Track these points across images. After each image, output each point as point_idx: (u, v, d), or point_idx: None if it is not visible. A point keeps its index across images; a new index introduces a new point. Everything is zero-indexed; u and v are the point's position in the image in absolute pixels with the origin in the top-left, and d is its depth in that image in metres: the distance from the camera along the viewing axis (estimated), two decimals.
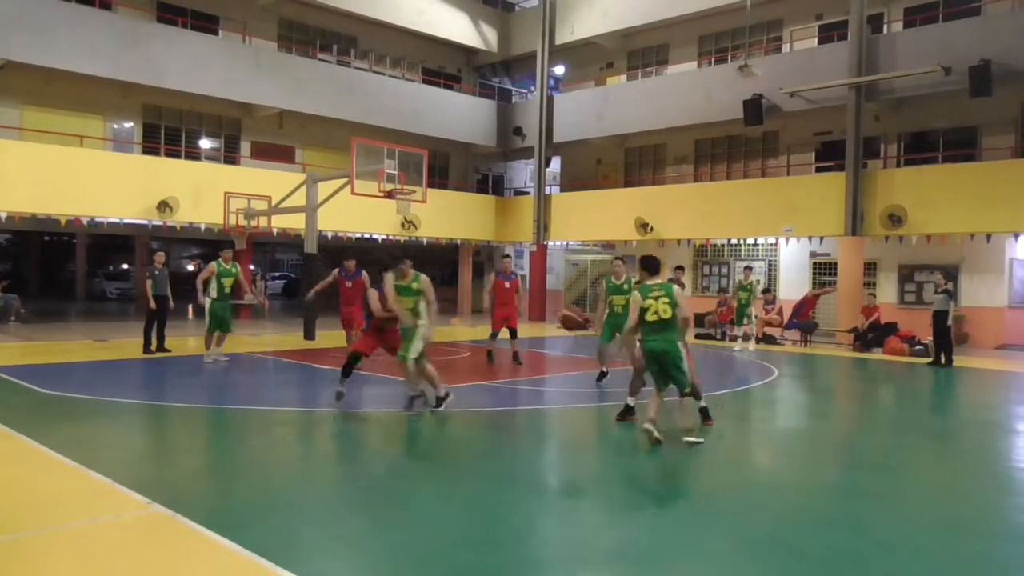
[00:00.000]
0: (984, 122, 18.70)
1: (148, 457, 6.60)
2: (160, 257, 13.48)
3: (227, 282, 12.32)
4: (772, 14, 21.79)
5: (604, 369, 10.74)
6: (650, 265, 7.31)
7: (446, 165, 27.68)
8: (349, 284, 12.22)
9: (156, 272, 13.13)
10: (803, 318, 18.61)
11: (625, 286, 9.90)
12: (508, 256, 13.98)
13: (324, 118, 22.66)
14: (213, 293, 12.23)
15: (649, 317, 6.99)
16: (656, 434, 6.71)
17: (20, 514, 4.75)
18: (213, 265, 12.38)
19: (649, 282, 7.20)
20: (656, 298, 7.01)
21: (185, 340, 16.55)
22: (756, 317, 17.21)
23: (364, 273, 12.30)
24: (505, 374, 11.79)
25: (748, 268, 17.81)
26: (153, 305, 12.97)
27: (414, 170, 16.92)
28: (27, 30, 17.16)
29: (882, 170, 19.53)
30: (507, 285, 12.72)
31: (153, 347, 13.13)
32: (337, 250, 18.50)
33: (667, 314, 6.94)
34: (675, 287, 7.25)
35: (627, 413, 8.00)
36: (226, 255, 12.49)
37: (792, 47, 21.56)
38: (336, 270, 12.46)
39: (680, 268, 14.09)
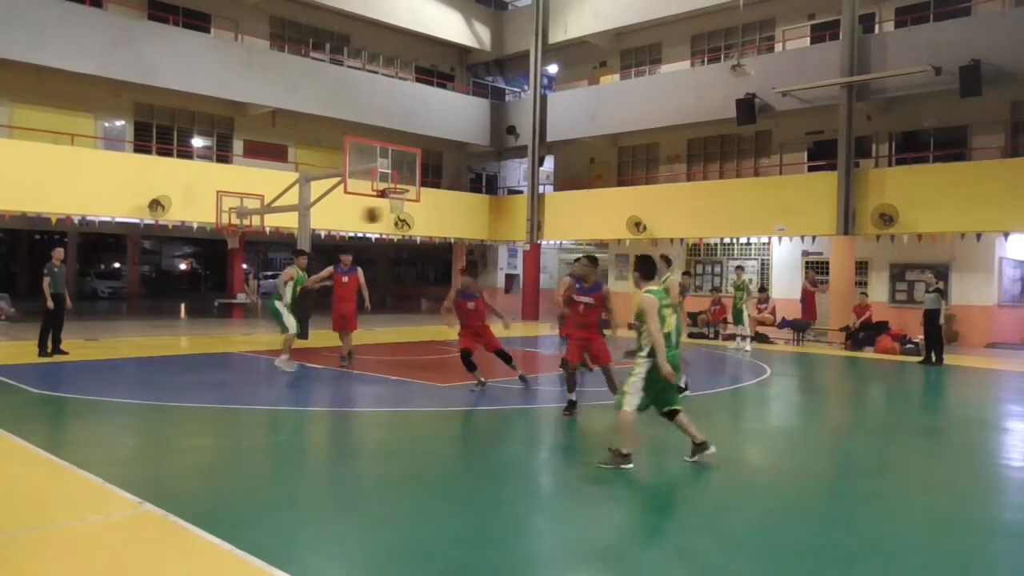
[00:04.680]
0: (974, 122, 18.79)
1: (139, 456, 6.57)
2: (58, 254, 12.66)
3: (298, 289, 11.71)
4: (764, 13, 21.85)
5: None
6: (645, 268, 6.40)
7: (439, 164, 27.67)
8: (345, 280, 11.99)
9: (55, 269, 12.40)
10: (810, 313, 18.63)
11: None
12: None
13: (317, 117, 22.61)
14: (288, 299, 11.59)
15: (666, 328, 6.21)
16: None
17: (10, 514, 4.74)
18: (292, 271, 11.62)
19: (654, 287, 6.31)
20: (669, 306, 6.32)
21: (177, 339, 16.51)
22: (750, 316, 17.29)
23: (360, 269, 12.23)
24: (503, 375, 11.77)
25: (740, 268, 18.26)
26: (51, 304, 12.21)
27: (407, 169, 16.93)
28: (17, 28, 17.05)
29: (874, 169, 19.60)
30: (471, 306, 9.92)
31: (49, 349, 12.30)
32: (330, 249, 18.49)
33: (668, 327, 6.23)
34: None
35: (573, 408, 8.35)
36: (302, 261, 11.86)
37: (784, 46, 21.61)
38: (332, 266, 12.32)
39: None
